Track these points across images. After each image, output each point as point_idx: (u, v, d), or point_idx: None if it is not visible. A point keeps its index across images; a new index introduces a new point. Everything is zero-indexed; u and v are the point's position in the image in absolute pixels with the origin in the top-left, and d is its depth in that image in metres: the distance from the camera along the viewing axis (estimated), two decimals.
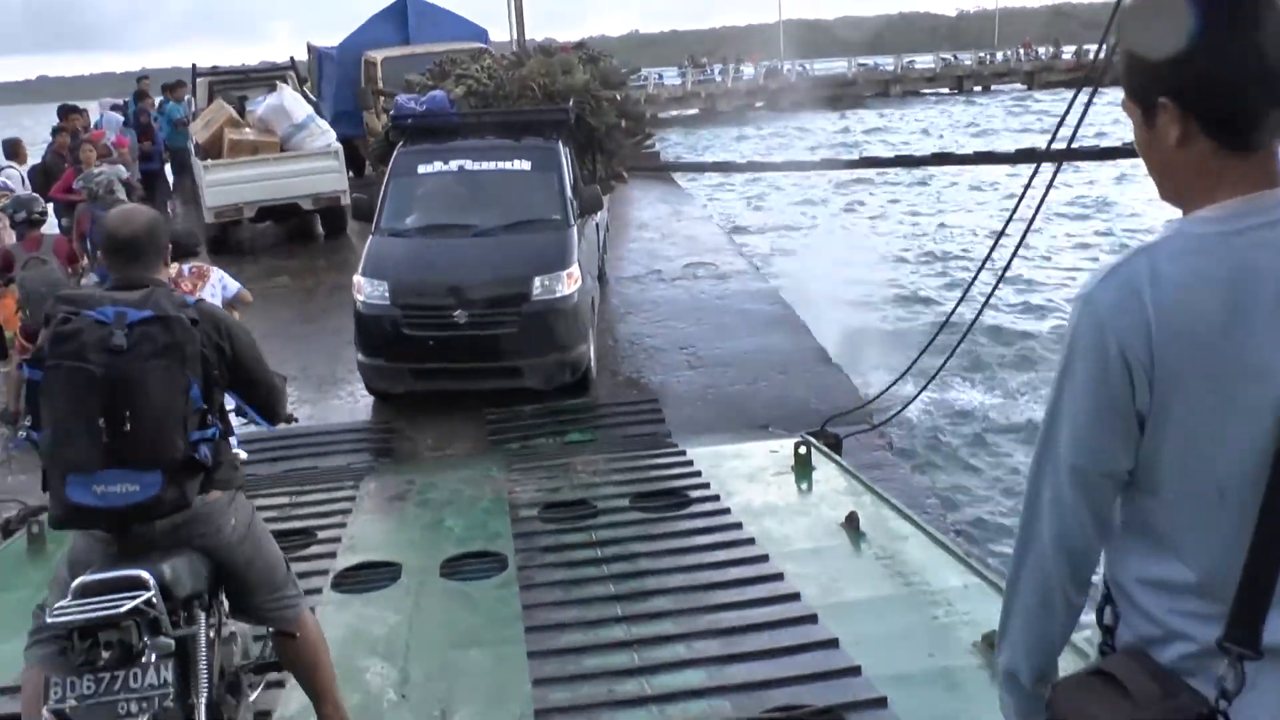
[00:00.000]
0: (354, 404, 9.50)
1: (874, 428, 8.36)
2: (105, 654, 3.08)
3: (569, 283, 8.52)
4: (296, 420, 4.30)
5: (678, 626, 4.97)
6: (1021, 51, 65.90)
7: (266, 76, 17.83)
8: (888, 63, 67.52)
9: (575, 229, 8.96)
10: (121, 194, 10.51)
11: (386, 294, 8.49)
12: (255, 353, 3.62)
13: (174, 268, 6.82)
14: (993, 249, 7.20)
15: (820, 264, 16.85)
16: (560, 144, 9.45)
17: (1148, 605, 1.71)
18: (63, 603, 3.08)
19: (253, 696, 4.02)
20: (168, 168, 19.46)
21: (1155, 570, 1.70)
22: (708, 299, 12.21)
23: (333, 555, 6.13)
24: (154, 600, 3.13)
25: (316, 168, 15.18)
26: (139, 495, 3.12)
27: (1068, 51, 64.06)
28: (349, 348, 9.76)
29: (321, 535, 6.47)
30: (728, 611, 5.09)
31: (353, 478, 7.62)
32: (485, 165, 9.20)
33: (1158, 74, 1.61)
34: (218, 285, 7.32)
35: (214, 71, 18.88)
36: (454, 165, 9.22)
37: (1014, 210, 6.89)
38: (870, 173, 27.08)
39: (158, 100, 20.09)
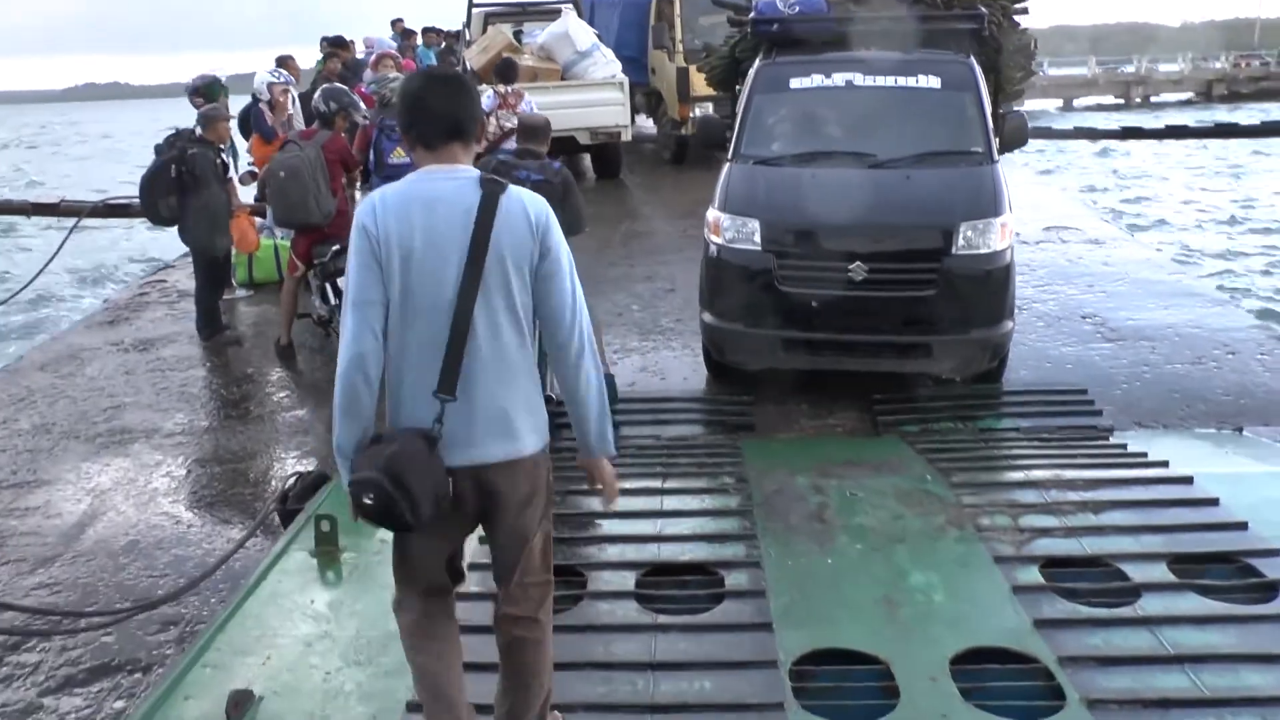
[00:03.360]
0: (693, 357, 7.51)
1: None
2: None
3: (1002, 235, 6.09)
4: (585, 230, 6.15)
5: None
6: None
7: (543, 13, 16.01)
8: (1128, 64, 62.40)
9: (1000, 166, 6.54)
10: None
11: (757, 236, 6.20)
12: (574, 196, 5.99)
13: (500, 87, 9.95)
14: None
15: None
16: (973, 59, 7.03)
17: (396, 386, 2.81)
18: None
19: None
20: None
21: (397, 364, 2.79)
22: (1090, 264, 10.04)
23: (768, 628, 3.90)
24: None
25: (598, 99, 13.29)
26: None
27: None
28: (667, 296, 8.59)
29: (733, 582, 4.26)
30: None
31: (729, 473, 5.45)
32: (881, 81, 6.77)
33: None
34: (529, 104, 9.94)
35: (490, 3, 17.18)
36: (839, 80, 6.82)
37: None
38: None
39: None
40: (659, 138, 17.21)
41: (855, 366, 6.37)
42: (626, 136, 14.05)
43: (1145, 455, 5.60)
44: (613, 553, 4.60)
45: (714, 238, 6.40)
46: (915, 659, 3.69)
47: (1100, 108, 52.33)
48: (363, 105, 8.07)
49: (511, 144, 8.24)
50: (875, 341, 6.16)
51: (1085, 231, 11.53)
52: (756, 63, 7.27)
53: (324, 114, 7.55)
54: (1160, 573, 4.25)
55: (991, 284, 6.07)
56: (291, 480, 5.29)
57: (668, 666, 3.70)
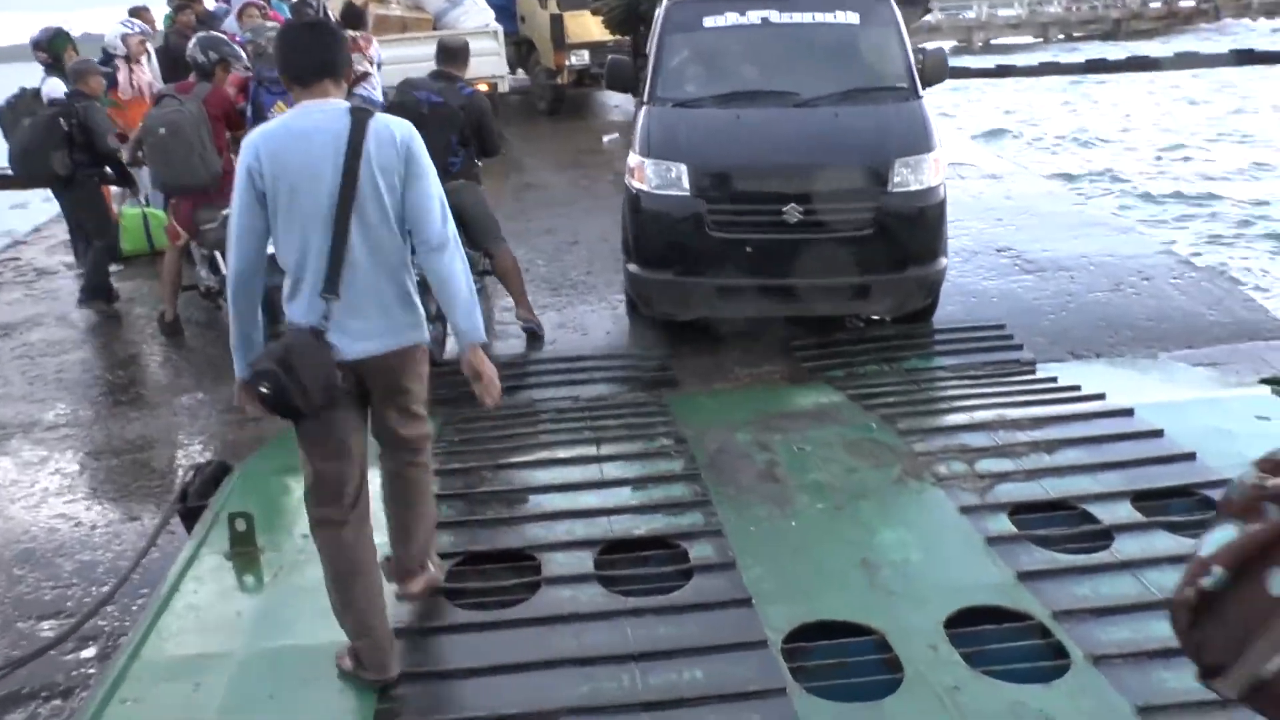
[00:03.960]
0: (610, 310, 7.13)
1: None
2: None
3: (935, 170, 5.82)
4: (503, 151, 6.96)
5: None
6: None
7: None
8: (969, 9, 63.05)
9: (925, 101, 6.23)
10: None
11: (685, 181, 5.78)
12: (488, 122, 6.12)
13: (349, 32, 8.10)
14: None
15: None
16: None
17: (290, 292, 3.10)
18: None
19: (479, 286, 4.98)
20: None
21: (289, 274, 3.08)
22: (993, 199, 9.89)
23: (748, 603, 3.55)
24: None
25: (473, 49, 12.47)
26: None
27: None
28: (572, 249, 8.37)
29: (698, 554, 3.88)
30: None
31: (664, 433, 5.06)
32: (799, 17, 6.37)
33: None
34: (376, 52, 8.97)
35: None
36: (754, 17, 6.39)
37: None
38: None
39: None
40: (532, 88, 16.54)
41: (791, 311, 6.06)
42: (504, 88, 13.41)
43: (1079, 388, 5.42)
44: (561, 531, 4.15)
45: (637, 184, 5.95)
46: (908, 626, 3.39)
47: (953, 52, 53.13)
48: (243, 55, 7.30)
49: (364, 89, 7.72)
50: (812, 285, 5.82)
51: (980, 167, 11.42)
52: (664, 1, 6.79)
53: (203, 65, 6.77)
54: (1126, 512, 4.04)
55: (927, 221, 5.80)
56: (189, 474, 4.65)
57: (651, 656, 3.32)
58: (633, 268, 6.07)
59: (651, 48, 6.61)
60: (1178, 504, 4.11)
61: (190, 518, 4.38)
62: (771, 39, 6.39)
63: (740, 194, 5.76)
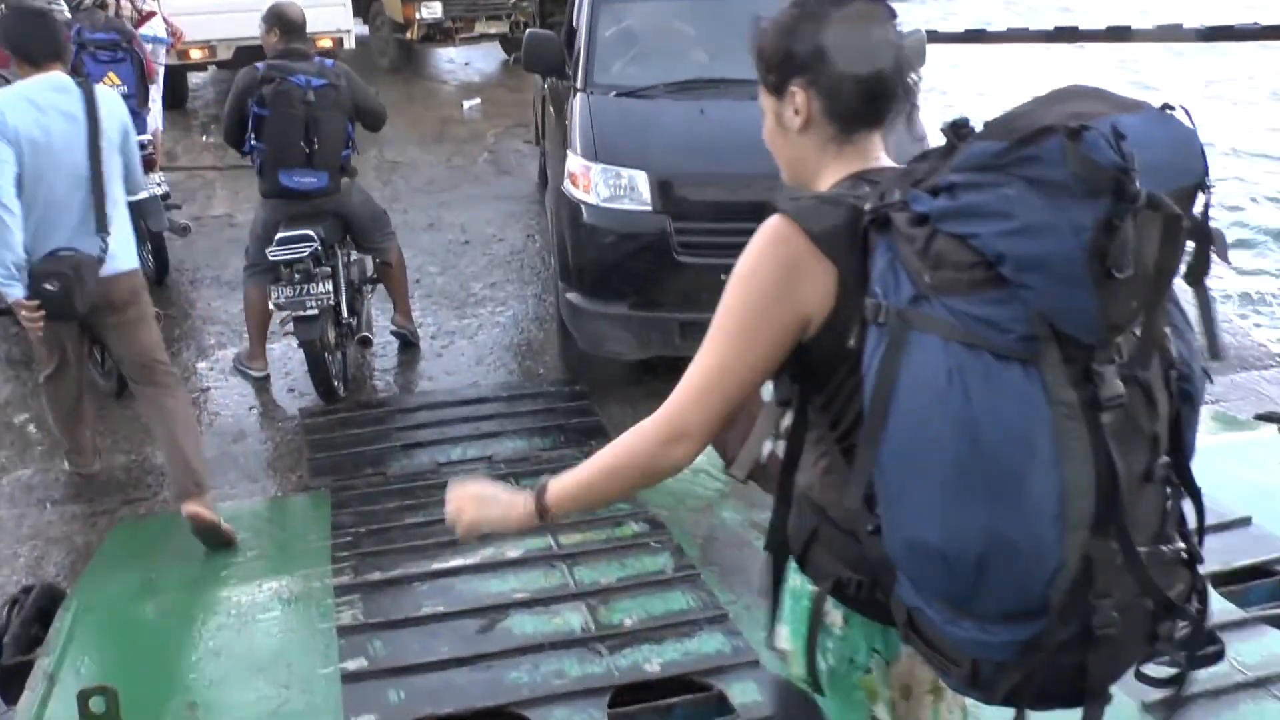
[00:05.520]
0: (532, 334, 5.94)
1: None
2: (296, 275, 4.78)
3: None
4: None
5: None
6: None
7: None
8: None
9: None
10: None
11: (644, 192, 4.62)
12: (368, 93, 5.38)
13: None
14: None
15: None
16: None
17: (45, 232, 3.66)
18: (273, 248, 4.75)
19: (371, 297, 5.77)
20: None
21: (41, 217, 3.61)
22: None
23: None
24: (318, 247, 4.81)
25: None
26: (319, 184, 4.97)
27: None
28: (465, 250, 7.13)
29: (741, 698, 2.78)
30: None
31: (632, 515, 3.92)
32: None
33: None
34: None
35: None
36: None
37: None
38: None
39: None
40: (373, 41, 14.84)
41: None
42: (350, 43, 11.73)
43: None
44: (550, 672, 3.00)
45: (581, 194, 4.73)
46: None
47: None
48: None
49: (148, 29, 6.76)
50: None
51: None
52: None
53: None
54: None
55: None
56: (2, 612, 3.14)
57: None
58: (573, 297, 4.84)
59: (580, 20, 5.35)
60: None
61: (11, 680, 2.99)
62: (728, 13, 5.22)
63: (715, 209, 4.61)
